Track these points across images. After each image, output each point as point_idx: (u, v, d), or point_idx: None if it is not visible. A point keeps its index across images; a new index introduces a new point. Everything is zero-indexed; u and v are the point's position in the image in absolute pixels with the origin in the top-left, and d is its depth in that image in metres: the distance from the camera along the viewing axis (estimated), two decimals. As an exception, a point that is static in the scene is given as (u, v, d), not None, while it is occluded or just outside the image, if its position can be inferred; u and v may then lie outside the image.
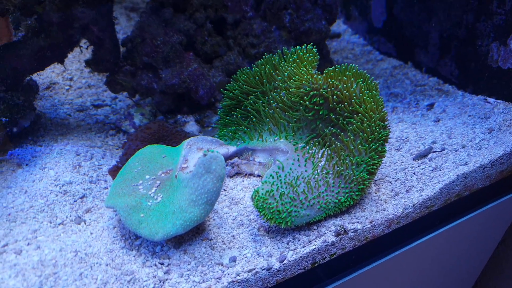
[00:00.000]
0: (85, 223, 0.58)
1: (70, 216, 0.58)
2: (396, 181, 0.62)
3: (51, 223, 0.57)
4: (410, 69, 0.92)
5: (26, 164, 0.68)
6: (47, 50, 0.75)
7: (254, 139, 0.57)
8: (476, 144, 0.68)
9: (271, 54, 0.57)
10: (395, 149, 0.68)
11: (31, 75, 0.80)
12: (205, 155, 0.44)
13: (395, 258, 0.68)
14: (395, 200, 0.61)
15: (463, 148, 0.67)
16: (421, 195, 0.61)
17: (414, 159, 0.65)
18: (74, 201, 0.60)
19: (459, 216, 0.71)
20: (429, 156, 0.65)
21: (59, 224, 0.57)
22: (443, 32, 0.81)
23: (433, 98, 0.81)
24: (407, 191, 0.62)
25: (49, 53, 0.75)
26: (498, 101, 0.77)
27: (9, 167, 0.68)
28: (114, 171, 0.65)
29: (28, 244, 0.53)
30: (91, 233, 0.55)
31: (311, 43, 0.58)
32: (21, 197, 0.59)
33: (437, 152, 0.65)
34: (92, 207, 0.60)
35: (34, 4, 0.69)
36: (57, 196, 0.60)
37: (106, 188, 0.64)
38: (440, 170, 0.63)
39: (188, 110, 0.73)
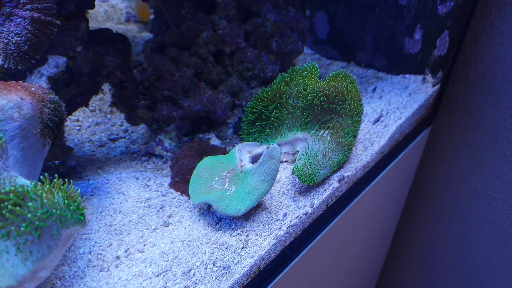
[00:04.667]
0: (172, 225, 0.85)
1: (160, 222, 0.85)
2: (365, 140, 1.03)
3: (148, 229, 0.83)
4: (354, 67, 1.36)
5: (92, 195, 0.91)
6: (78, 97, 0.95)
7: (277, 138, 0.90)
8: (403, 105, 1.12)
9: (283, 73, 0.89)
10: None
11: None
12: (268, 147, 0.77)
13: (368, 192, 1.11)
14: (366, 152, 1.01)
15: (397, 109, 1.11)
16: (379, 145, 1.03)
17: (373, 124, 1.06)
18: (157, 211, 0.87)
19: (397, 155, 1.17)
20: (381, 119, 1.06)
21: (154, 229, 0.84)
22: (375, 35, 1.24)
23: (374, 84, 1.24)
24: (371, 144, 1.03)
25: (79, 99, 0.96)
26: (411, 75, 1.25)
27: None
28: (174, 185, 0.93)
29: (144, 245, 0.79)
30: (185, 228, 0.83)
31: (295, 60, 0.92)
32: (119, 216, 0.83)
33: (384, 116, 1.07)
34: (172, 213, 0.87)
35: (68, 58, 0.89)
36: (144, 210, 0.86)
37: (174, 198, 0.91)
38: (388, 127, 1.06)
39: (207, 128, 1.02)
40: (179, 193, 0.92)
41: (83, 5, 0.85)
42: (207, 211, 0.88)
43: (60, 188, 0.58)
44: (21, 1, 0.77)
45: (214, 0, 0.95)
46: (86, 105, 1.00)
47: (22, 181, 0.57)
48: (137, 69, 1.05)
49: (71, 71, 0.92)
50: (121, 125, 1.17)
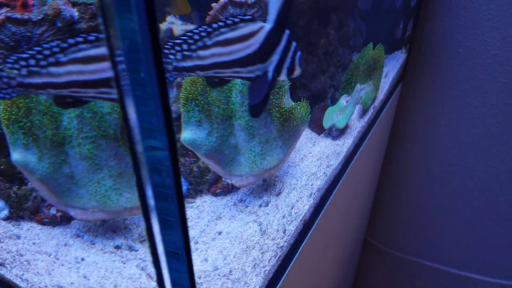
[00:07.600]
0: (317, 144, 2.08)
1: (312, 143, 2.07)
2: (380, 87, 2.29)
3: (309, 146, 2.06)
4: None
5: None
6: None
7: (353, 91, 2.10)
8: (394, 66, 2.37)
9: (360, 53, 2.03)
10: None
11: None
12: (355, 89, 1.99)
13: (381, 118, 2.45)
14: (381, 92, 2.30)
15: (392, 69, 2.36)
16: (386, 88, 2.32)
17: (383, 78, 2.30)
18: (310, 139, 2.07)
19: (391, 97, 2.50)
20: (386, 75, 2.31)
21: (311, 146, 2.07)
22: (384, 32, 2.32)
23: (383, 59, 2.41)
24: (383, 89, 2.31)
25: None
26: (397, 52, 2.44)
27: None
28: (313, 129, 2.12)
29: (310, 152, 2.03)
30: (323, 143, 2.08)
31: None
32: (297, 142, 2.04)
33: (388, 73, 2.32)
34: (315, 140, 2.07)
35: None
36: (305, 139, 2.06)
37: (314, 134, 2.11)
38: (389, 79, 2.33)
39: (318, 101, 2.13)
40: (315, 133, 2.11)
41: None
42: (328, 134, 2.11)
43: (303, 105, 1.74)
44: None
45: (328, 18, 1.92)
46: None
47: (292, 103, 1.72)
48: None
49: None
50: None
